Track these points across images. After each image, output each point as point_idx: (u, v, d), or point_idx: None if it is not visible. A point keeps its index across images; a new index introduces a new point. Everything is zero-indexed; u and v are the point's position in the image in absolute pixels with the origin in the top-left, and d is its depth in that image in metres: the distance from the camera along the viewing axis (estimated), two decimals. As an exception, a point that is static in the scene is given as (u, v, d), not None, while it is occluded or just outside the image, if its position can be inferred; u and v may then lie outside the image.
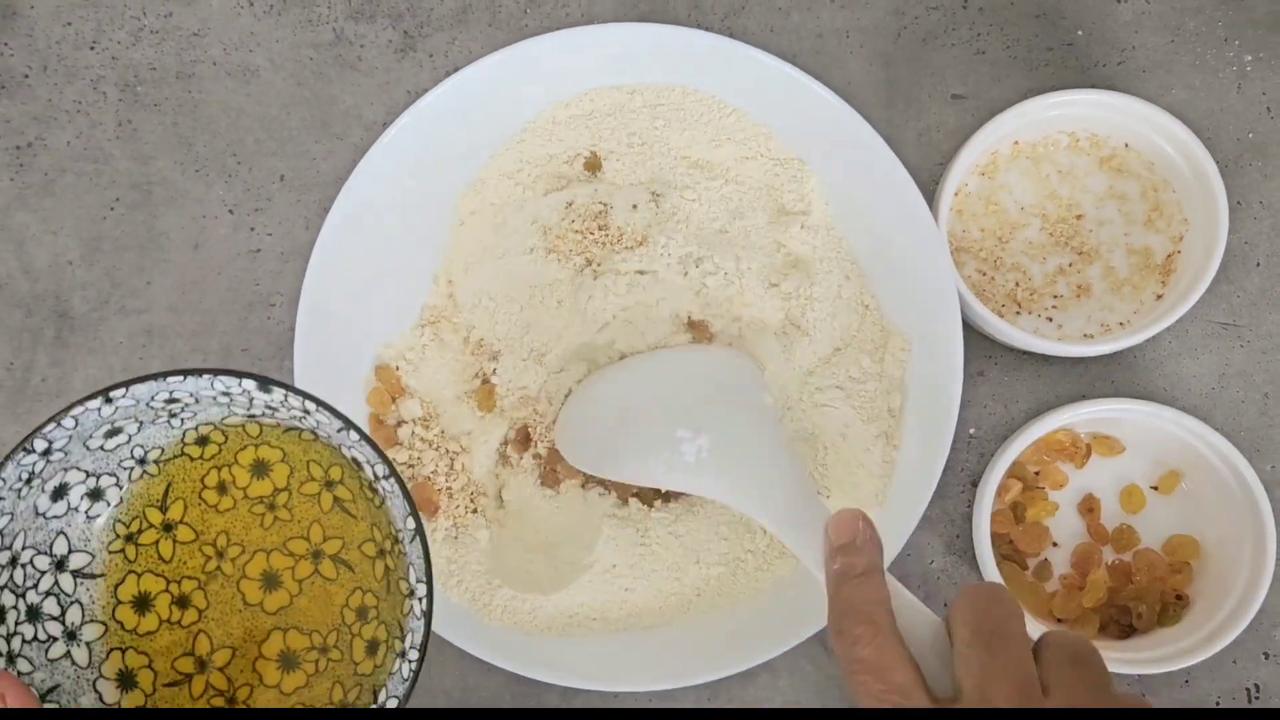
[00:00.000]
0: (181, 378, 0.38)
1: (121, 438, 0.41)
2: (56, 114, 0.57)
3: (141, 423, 0.41)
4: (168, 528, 0.43)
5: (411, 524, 0.39)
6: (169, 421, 0.42)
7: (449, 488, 0.52)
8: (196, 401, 0.40)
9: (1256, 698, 0.54)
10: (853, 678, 0.35)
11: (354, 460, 0.42)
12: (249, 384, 0.39)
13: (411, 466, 0.53)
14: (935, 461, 0.50)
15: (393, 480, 0.39)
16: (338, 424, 0.39)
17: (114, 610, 0.42)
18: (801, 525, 0.41)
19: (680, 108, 0.54)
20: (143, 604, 0.43)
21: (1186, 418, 0.52)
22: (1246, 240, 0.56)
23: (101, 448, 0.41)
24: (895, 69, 0.57)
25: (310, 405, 0.39)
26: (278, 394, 0.39)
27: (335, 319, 0.53)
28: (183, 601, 0.43)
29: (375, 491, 0.41)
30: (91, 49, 0.58)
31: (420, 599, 0.39)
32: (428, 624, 0.39)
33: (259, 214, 0.57)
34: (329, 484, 0.43)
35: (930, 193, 0.55)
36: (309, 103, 0.58)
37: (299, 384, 0.52)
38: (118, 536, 0.43)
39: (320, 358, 0.52)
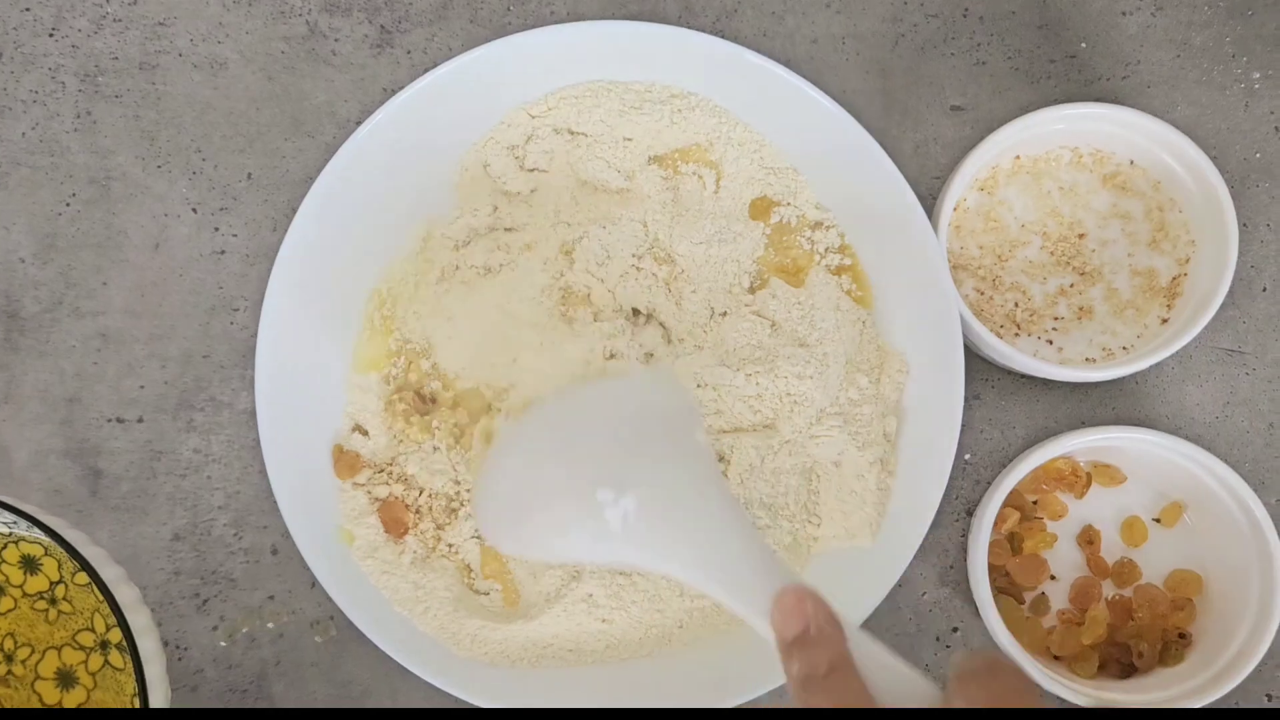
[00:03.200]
0: None
1: None
2: (11, 104, 0.54)
3: None
4: None
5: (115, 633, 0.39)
6: None
7: (417, 507, 0.50)
8: None
9: (1260, 742, 0.52)
10: None
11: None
12: None
13: (371, 490, 0.50)
14: (933, 491, 0.48)
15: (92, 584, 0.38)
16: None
17: None
18: (753, 589, 0.35)
19: (662, 102, 0.51)
20: None
21: (1190, 447, 0.50)
22: (1253, 264, 0.54)
23: None
24: (892, 78, 0.55)
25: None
26: None
27: (301, 325, 0.50)
28: None
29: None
30: (50, 36, 0.55)
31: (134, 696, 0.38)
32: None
33: (224, 214, 0.54)
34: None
35: (928, 207, 0.53)
36: (279, 98, 0.55)
37: (260, 396, 0.49)
38: None
39: (284, 366, 0.49)
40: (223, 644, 0.53)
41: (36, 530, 0.38)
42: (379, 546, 0.49)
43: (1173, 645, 0.50)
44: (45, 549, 0.42)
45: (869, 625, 0.50)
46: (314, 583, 0.52)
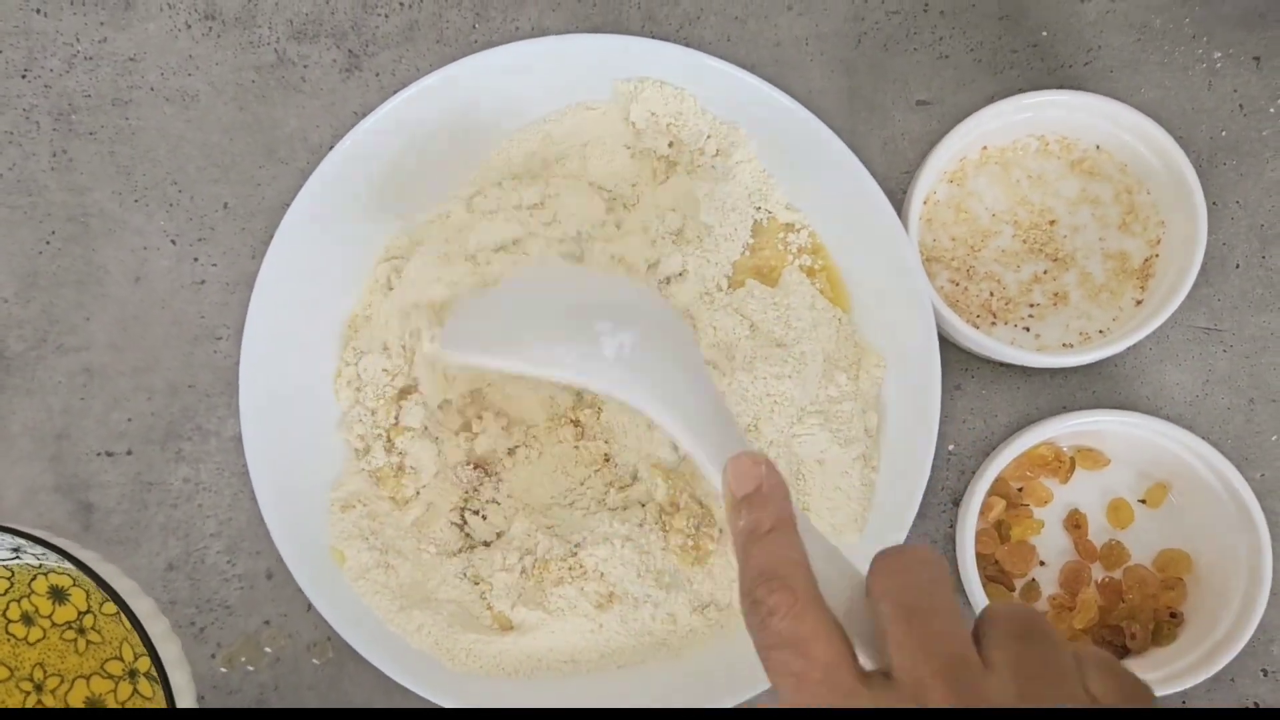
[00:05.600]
0: None
1: None
2: (-13, 146, 0.55)
3: None
4: None
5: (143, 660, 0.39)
6: None
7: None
8: None
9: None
10: (769, 653, 0.30)
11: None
12: None
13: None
14: (916, 482, 0.48)
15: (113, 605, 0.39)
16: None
17: None
18: (719, 447, 0.37)
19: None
20: None
21: (1171, 426, 0.50)
22: (1224, 242, 0.55)
23: None
24: (857, 76, 0.56)
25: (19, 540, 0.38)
26: None
27: (283, 350, 0.50)
28: None
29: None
30: (23, 77, 0.55)
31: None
32: None
33: (202, 244, 0.55)
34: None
35: (898, 201, 0.53)
36: (251, 127, 0.55)
37: (245, 423, 0.49)
38: None
39: (268, 392, 0.50)
40: (222, 670, 0.53)
41: (67, 563, 0.39)
42: (370, 568, 0.49)
43: (1165, 625, 0.50)
44: (73, 579, 0.42)
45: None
46: (309, 606, 0.52)
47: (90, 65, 0.55)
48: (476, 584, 0.50)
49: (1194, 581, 0.51)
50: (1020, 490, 0.52)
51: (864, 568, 0.32)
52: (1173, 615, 0.50)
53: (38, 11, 0.55)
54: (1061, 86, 0.55)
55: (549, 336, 0.41)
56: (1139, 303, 0.52)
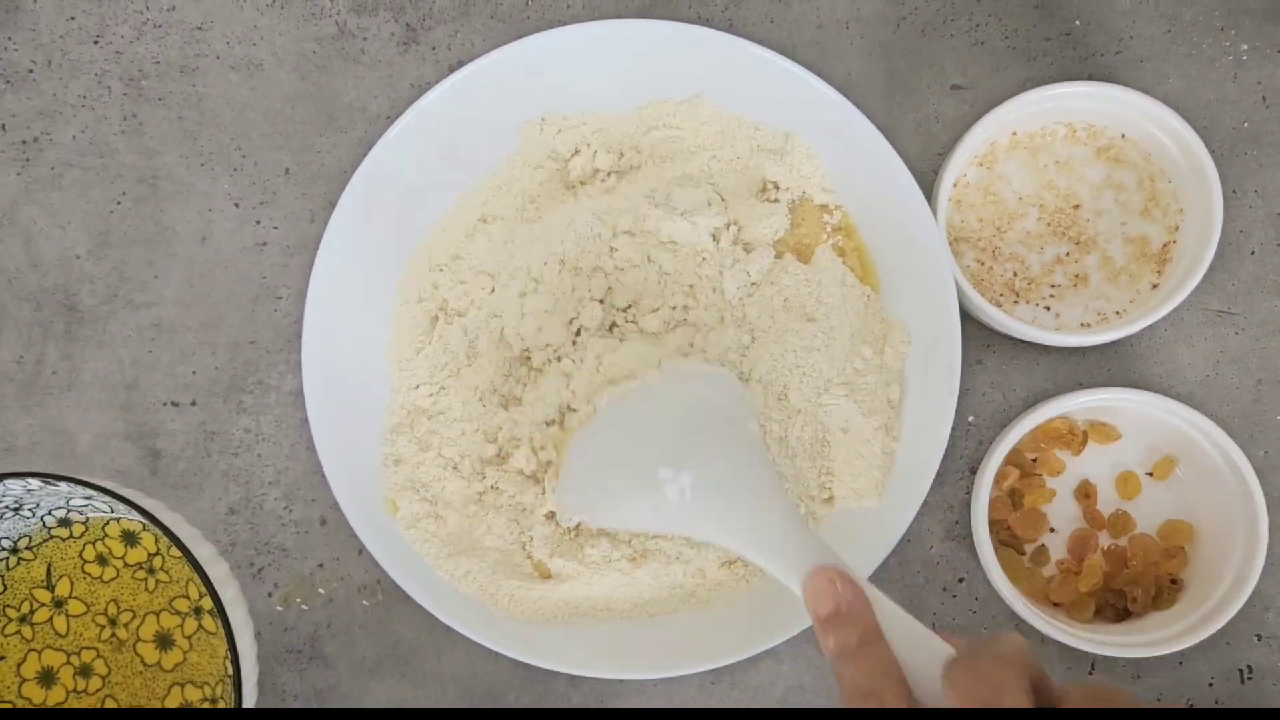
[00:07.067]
0: None
1: None
2: (62, 108, 0.58)
3: None
4: (59, 604, 0.47)
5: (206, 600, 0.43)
6: (17, 514, 0.45)
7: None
8: (28, 493, 0.43)
9: (1249, 678, 0.55)
10: None
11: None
12: (33, 482, 0.42)
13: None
14: (934, 453, 0.51)
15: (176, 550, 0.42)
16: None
17: (19, 688, 0.45)
18: (794, 560, 0.40)
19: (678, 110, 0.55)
20: (47, 678, 0.46)
21: (1179, 406, 0.53)
22: (1241, 229, 0.57)
23: None
24: (894, 59, 0.58)
25: (91, 492, 0.42)
26: (63, 486, 0.42)
27: (343, 310, 0.53)
28: (85, 671, 0.46)
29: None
30: (95, 43, 0.58)
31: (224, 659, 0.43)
32: (237, 690, 0.42)
33: (264, 207, 0.58)
34: None
35: (929, 183, 0.56)
36: (312, 96, 0.58)
37: (306, 380, 0.53)
38: (10, 620, 0.46)
39: (329, 350, 0.53)
40: (279, 609, 0.57)
41: (134, 513, 0.42)
42: (421, 517, 0.53)
43: (1165, 590, 0.53)
44: (144, 524, 0.46)
45: (880, 576, 0.54)
46: (360, 550, 0.56)
47: (159, 33, 0.58)
48: (520, 530, 0.53)
49: (1194, 550, 0.54)
50: (1034, 460, 0.55)
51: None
52: (1173, 581, 0.54)
53: (109, -21, 0.58)
54: (1092, 75, 0.57)
55: (626, 493, 0.45)
56: (1155, 286, 0.55)
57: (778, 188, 0.55)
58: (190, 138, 0.58)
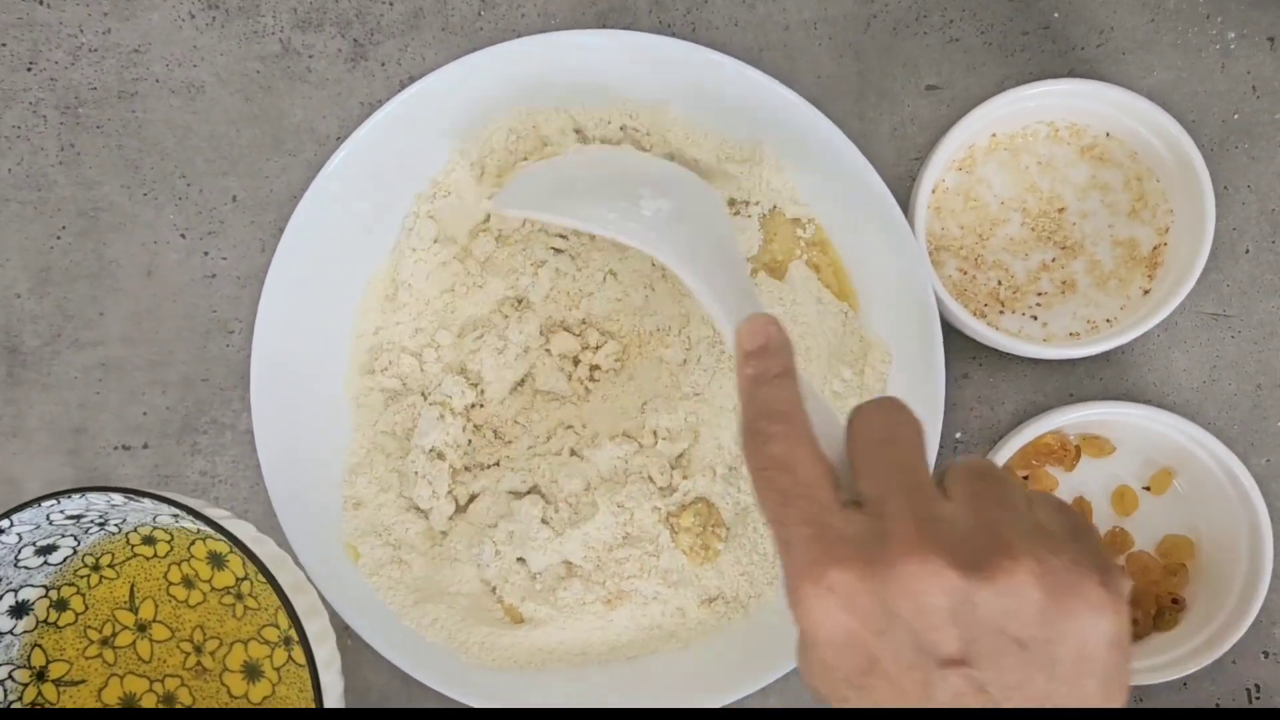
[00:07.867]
0: (55, 500, 0.38)
1: (64, 550, 0.42)
2: (-5, 141, 0.55)
3: (77, 535, 0.42)
4: (142, 628, 0.44)
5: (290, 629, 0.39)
6: (102, 529, 0.42)
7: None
8: (112, 508, 0.41)
9: (1257, 698, 0.53)
10: (761, 474, 0.33)
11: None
12: (116, 497, 0.39)
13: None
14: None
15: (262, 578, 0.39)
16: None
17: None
18: (735, 308, 0.40)
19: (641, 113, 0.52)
20: (129, 707, 0.44)
21: (1175, 418, 0.50)
22: (1234, 226, 0.55)
23: (45, 563, 0.41)
24: (866, 60, 0.55)
25: (175, 510, 0.39)
26: (147, 502, 0.39)
27: (294, 344, 0.51)
28: (168, 699, 0.43)
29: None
30: (28, 70, 0.55)
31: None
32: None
33: (212, 237, 0.55)
34: None
35: (906, 189, 0.53)
36: (258, 119, 0.55)
37: (256, 416, 0.50)
38: (91, 641, 0.43)
39: (280, 387, 0.50)
40: (242, 657, 0.54)
41: (221, 534, 0.40)
42: (384, 563, 0.50)
43: (1166, 610, 0.51)
44: (231, 546, 0.44)
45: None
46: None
47: (95, 57, 0.55)
48: (488, 582, 0.51)
49: (1196, 567, 0.52)
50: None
51: None
52: (1174, 601, 0.51)
53: (40, 2, 0.55)
54: (1073, 70, 0.54)
55: (596, 197, 0.46)
56: (1146, 292, 0.52)
57: (747, 204, 0.52)
58: (132, 166, 0.55)
